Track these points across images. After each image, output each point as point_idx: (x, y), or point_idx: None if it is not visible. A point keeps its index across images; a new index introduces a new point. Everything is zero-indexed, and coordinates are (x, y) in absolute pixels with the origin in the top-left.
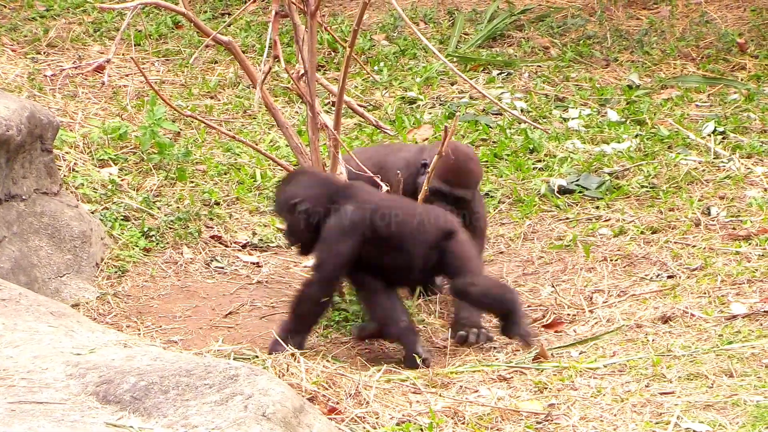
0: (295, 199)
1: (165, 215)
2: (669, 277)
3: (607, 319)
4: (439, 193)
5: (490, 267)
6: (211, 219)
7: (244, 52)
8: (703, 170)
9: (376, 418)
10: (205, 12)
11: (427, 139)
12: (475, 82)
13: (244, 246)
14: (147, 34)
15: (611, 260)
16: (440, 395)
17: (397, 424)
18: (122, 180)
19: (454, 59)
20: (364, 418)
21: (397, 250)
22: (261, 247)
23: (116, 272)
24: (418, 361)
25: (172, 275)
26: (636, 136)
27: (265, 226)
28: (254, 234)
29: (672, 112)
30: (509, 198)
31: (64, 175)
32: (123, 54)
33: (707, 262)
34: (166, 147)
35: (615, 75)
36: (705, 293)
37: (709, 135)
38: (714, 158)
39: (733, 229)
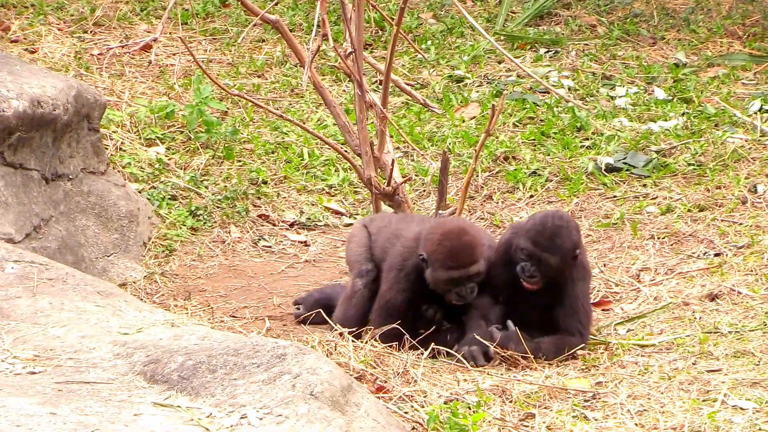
0: (579, 249)
1: (212, 194)
2: (716, 254)
3: (654, 297)
4: (455, 282)
5: None
6: (259, 198)
7: (291, 30)
8: (750, 148)
9: (424, 397)
10: None
11: (474, 117)
12: (522, 60)
13: (291, 225)
14: (194, 12)
15: (658, 238)
16: (488, 374)
17: (445, 403)
18: (169, 159)
19: (501, 38)
20: (412, 396)
21: None
22: (308, 226)
23: (163, 251)
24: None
25: (220, 254)
26: (683, 114)
27: (313, 204)
28: (301, 213)
29: (718, 90)
30: (557, 176)
31: (111, 155)
32: (170, 33)
33: (754, 240)
34: (213, 126)
35: (661, 53)
36: (752, 271)
37: (756, 113)
38: (760, 136)
39: None
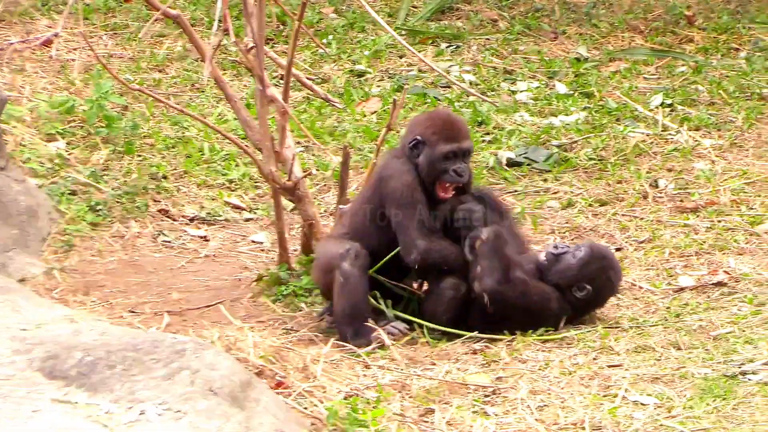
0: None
1: (112, 189)
2: (617, 249)
3: None
4: (451, 154)
5: None
6: (159, 193)
7: (192, 25)
8: (651, 143)
9: (324, 392)
10: None
11: (375, 111)
12: (424, 55)
13: (191, 220)
14: (95, 8)
15: (559, 232)
16: (388, 369)
17: (345, 398)
18: (69, 154)
19: (403, 32)
20: (311, 392)
21: None
22: (209, 220)
23: (63, 247)
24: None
25: (119, 249)
26: (584, 108)
27: (213, 199)
28: (202, 208)
29: (620, 85)
30: None
31: (11, 150)
32: (71, 28)
33: (655, 235)
34: (114, 121)
35: (563, 48)
36: (653, 266)
37: (657, 107)
38: (662, 131)
39: (681, 201)
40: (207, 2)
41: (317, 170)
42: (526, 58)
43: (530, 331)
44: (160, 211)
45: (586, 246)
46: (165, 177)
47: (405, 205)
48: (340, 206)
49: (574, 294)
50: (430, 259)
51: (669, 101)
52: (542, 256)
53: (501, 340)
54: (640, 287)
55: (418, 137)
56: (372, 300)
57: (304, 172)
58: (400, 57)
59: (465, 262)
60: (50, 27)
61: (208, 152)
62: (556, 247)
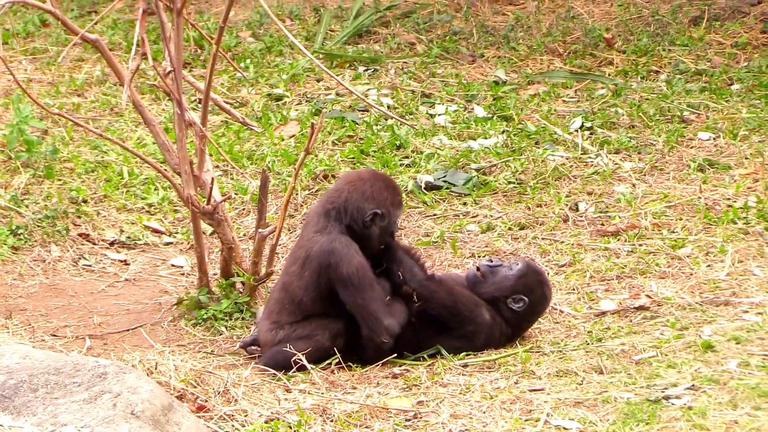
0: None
1: (33, 213)
2: None
3: None
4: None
5: None
6: (79, 217)
7: (111, 50)
8: (571, 166)
9: (245, 416)
10: (72, 10)
11: (293, 135)
12: (342, 78)
13: (111, 244)
14: (14, 32)
15: (479, 256)
16: (309, 393)
17: (266, 422)
18: None
19: (321, 56)
20: (232, 415)
21: None
22: (128, 244)
23: None
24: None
25: (41, 273)
26: (503, 132)
27: (133, 223)
28: (122, 231)
29: (539, 108)
30: None
31: None
32: None
33: (576, 258)
34: (34, 145)
35: (481, 71)
36: (574, 289)
37: (577, 130)
38: (582, 154)
39: (602, 224)
40: (125, 26)
41: (236, 194)
42: (444, 81)
43: (462, 353)
44: (80, 235)
45: (523, 261)
46: (85, 201)
47: (362, 289)
48: (259, 230)
49: (510, 306)
50: (398, 333)
51: (589, 124)
52: (470, 272)
53: (421, 364)
54: (561, 311)
55: (377, 210)
56: None
57: (223, 196)
58: (318, 81)
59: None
60: None
61: (128, 176)
62: (490, 260)
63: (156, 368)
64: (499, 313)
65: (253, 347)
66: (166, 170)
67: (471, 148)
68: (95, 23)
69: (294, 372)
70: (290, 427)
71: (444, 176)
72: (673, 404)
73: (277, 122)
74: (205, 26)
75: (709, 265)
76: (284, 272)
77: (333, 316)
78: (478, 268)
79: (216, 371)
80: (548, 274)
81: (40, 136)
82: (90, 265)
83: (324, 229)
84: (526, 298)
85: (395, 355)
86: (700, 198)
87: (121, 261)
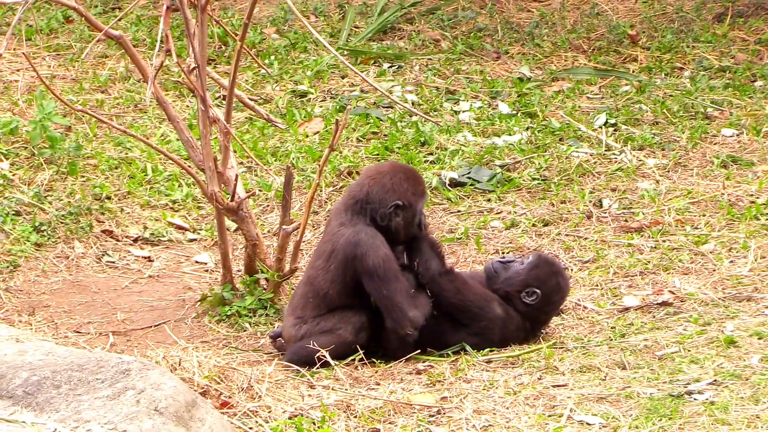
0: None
1: (56, 210)
2: None
3: None
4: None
5: None
6: (102, 213)
7: (134, 46)
8: (595, 162)
9: (269, 412)
10: (96, 6)
11: (318, 132)
12: (366, 75)
13: (135, 240)
14: (38, 29)
15: (503, 253)
16: (333, 389)
17: (290, 418)
18: (13, 175)
19: (345, 52)
20: (256, 412)
21: None
22: (152, 241)
23: (8, 267)
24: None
25: (64, 270)
26: (527, 128)
27: (156, 220)
28: (145, 228)
29: (563, 105)
30: None
31: None
32: (14, 49)
33: (599, 255)
34: (57, 141)
35: (506, 67)
36: (597, 285)
37: (601, 127)
38: (605, 150)
39: (625, 221)
40: (149, 23)
41: (260, 191)
42: (468, 78)
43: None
44: (103, 231)
45: (534, 254)
46: (108, 198)
47: (388, 280)
48: (284, 227)
49: (524, 300)
50: (422, 325)
51: (613, 121)
52: (486, 268)
53: (445, 360)
54: (585, 307)
55: (399, 202)
56: None
57: (247, 192)
58: (343, 77)
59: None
60: None
61: (151, 173)
62: (503, 257)
63: (180, 364)
64: (514, 308)
65: (280, 338)
66: (190, 167)
67: (495, 145)
68: (119, 20)
69: (317, 368)
70: (314, 423)
71: (468, 173)
72: (695, 399)
73: (301, 119)
74: (229, 23)
75: (731, 261)
76: (309, 267)
77: (357, 308)
78: (491, 266)
79: (240, 367)
80: (571, 270)
81: (63, 132)
82: (113, 262)
83: (349, 222)
84: (538, 291)
85: (419, 351)
86: (723, 194)
87: (145, 257)
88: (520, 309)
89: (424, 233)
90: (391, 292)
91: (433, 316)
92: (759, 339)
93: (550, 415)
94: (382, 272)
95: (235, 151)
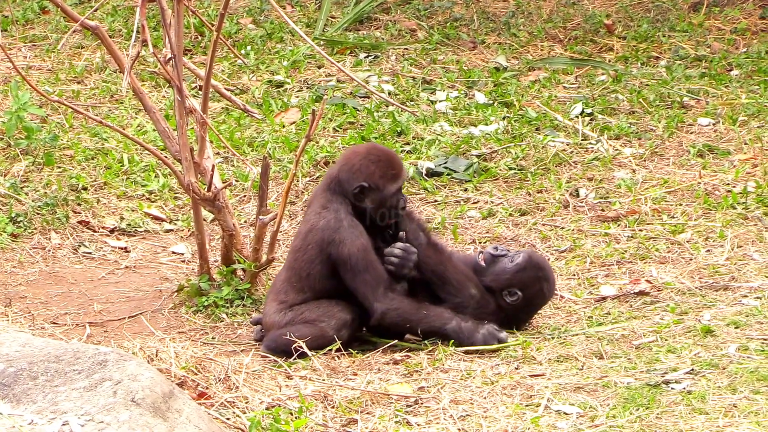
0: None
1: (32, 201)
2: None
3: None
4: (398, 191)
5: None
6: (79, 204)
7: (110, 36)
8: (572, 152)
9: (246, 403)
10: None
11: (294, 122)
12: (342, 65)
13: (111, 231)
14: (14, 19)
15: (480, 242)
16: (310, 379)
17: (267, 409)
18: None
19: (321, 42)
20: (233, 402)
21: None
22: (129, 232)
23: None
24: None
25: (40, 261)
26: (503, 118)
27: (133, 211)
28: (122, 219)
29: (539, 94)
30: None
31: None
32: None
33: (576, 244)
34: (33, 132)
35: (482, 57)
36: (574, 275)
37: (577, 116)
38: (582, 140)
39: (602, 210)
40: (125, 13)
41: (237, 181)
42: (445, 67)
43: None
44: (80, 222)
45: (525, 253)
46: (85, 188)
47: (359, 271)
48: (260, 217)
49: (505, 298)
50: (389, 320)
51: (589, 110)
52: (479, 258)
53: (423, 349)
54: (562, 296)
55: (364, 183)
56: None
57: (224, 182)
58: (319, 67)
59: (425, 314)
60: None
61: (128, 163)
62: (496, 248)
63: (157, 355)
64: (495, 301)
65: (260, 325)
66: (166, 157)
67: (472, 135)
68: (95, 10)
69: (295, 359)
70: (291, 414)
71: (445, 162)
72: (672, 389)
73: (277, 109)
74: (205, 13)
75: (708, 250)
76: (290, 251)
77: (343, 301)
78: (481, 253)
79: (217, 358)
80: (549, 260)
81: (39, 123)
82: (90, 253)
83: (330, 204)
84: (520, 293)
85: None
86: (699, 183)
87: (122, 248)
88: (500, 305)
89: (407, 214)
90: (360, 283)
91: (414, 296)
92: (736, 328)
93: (527, 405)
94: (355, 262)
95: (211, 142)
